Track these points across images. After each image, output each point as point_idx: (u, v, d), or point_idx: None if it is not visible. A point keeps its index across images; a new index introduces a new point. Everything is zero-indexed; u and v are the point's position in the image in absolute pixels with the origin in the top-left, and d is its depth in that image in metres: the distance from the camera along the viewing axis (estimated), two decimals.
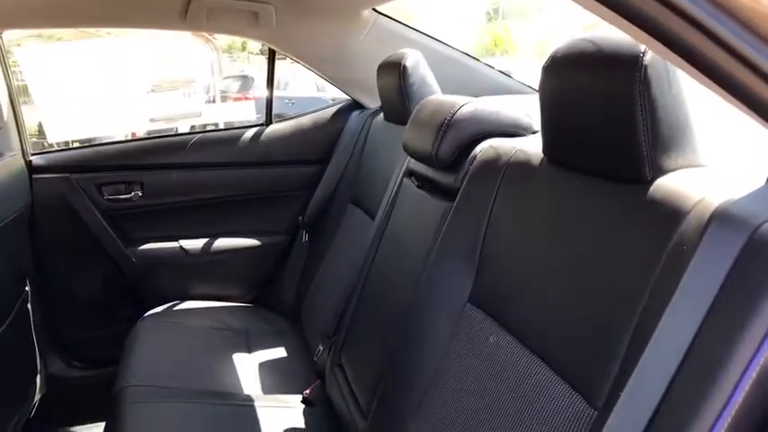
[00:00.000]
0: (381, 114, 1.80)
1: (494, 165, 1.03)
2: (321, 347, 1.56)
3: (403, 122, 1.52)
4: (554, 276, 0.83)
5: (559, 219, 0.84)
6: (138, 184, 1.95)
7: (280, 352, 1.78)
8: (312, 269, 1.88)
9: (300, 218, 1.98)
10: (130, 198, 1.94)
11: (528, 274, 0.89)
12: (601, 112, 0.74)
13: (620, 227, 0.73)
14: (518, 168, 0.98)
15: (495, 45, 19.78)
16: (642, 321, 0.65)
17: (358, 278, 1.48)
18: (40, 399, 1.87)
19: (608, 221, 0.75)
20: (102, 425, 1.47)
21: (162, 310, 1.90)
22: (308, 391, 1.52)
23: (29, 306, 1.76)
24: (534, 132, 1.17)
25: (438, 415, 1.00)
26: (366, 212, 1.68)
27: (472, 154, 1.10)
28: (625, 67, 0.69)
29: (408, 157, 1.39)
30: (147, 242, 1.99)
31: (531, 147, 0.96)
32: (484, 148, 1.09)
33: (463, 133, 1.12)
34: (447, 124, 1.12)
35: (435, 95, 1.36)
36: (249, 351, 1.75)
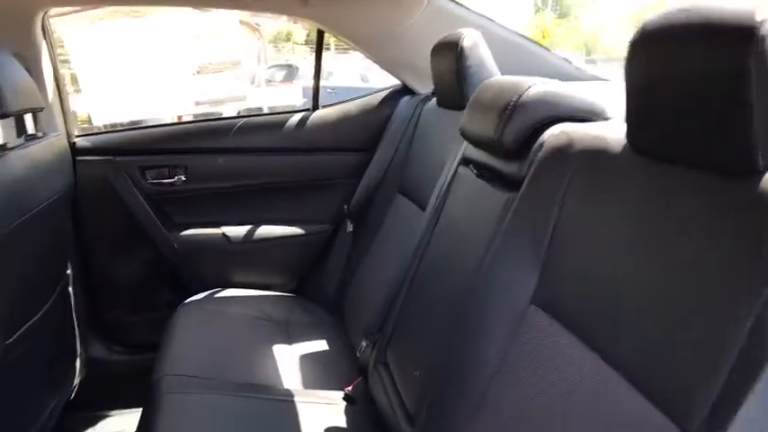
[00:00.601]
0: (434, 100, 1.72)
1: (565, 152, 0.93)
2: (364, 343, 1.49)
3: (458, 108, 1.43)
4: (636, 281, 0.73)
5: (645, 216, 0.75)
6: (181, 169, 1.91)
7: (320, 345, 1.72)
8: (356, 260, 1.81)
9: (345, 207, 1.91)
10: (174, 182, 1.90)
11: (604, 276, 0.80)
12: (703, 92, 0.64)
13: (723, 227, 0.63)
14: (595, 157, 0.88)
15: (543, 37, 19.40)
16: (752, 343, 0.56)
17: (406, 272, 1.40)
18: (80, 382, 1.85)
19: (708, 220, 0.65)
20: (140, 411, 1.43)
21: (202, 297, 1.86)
22: (350, 388, 1.45)
23: (70, 289, 1.74)
24: (606, 119, 1.07)
25: (494, 426, 0.91)
26: (415, 203, 1.59)
27: (540, 140, 1.00)
28: (738, 39, 0.59)
29: (465, 144, 1.31)
30: (190, 228, 1.96)
31: (611, 133, 0.86)
32: (554, 133, 0.99)
33: (531, 116, 1.02)
34: (513, 106, 1.02)
35: (497, 77, 1.27)
36: (289, 342, 1.70)
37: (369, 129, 1.95)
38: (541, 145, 1.00)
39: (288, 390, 1.45)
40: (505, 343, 0.95)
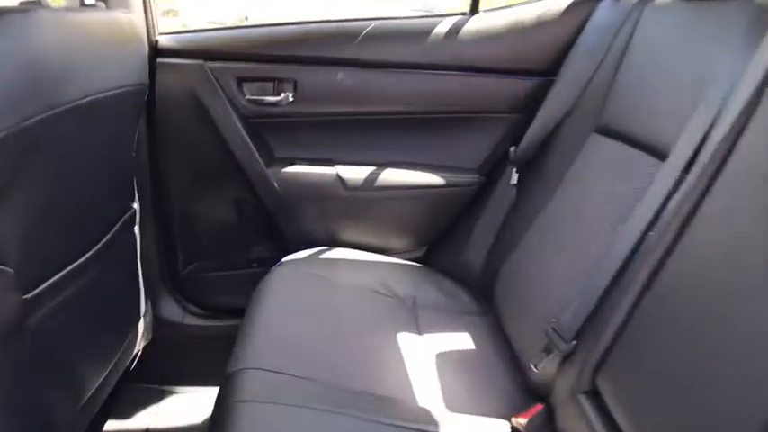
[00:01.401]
0: None
1: None
2: (546, 356, 0.96)
3: None
4: None
5: None
6: (290, 83, 1.43)
7: (464, 341, 1.21)
8: (521, 226, 1.27)
9: (512, 149, 1.36)
10: (279, 102, 1.43)
11: None
12: None
13: None
14: None
15: None
16: None
17: (634, 256, 0.86)
18: (144, 349, 1.45)
19: None
20: (215, 391, 0.99)
21: (304, 257, 1.38)
22: (522, 420, 0.93)
23: (136, 230, 1.31)
24: None
25: None
26: (638, 146, 1.03)
27: None
28: None
29: None
30: (295, 163, 1.49)
31: None
32: None
33: None
34: None
35: None
36: (419, 331, 1.20)
37: (550, 43, 1.38)
38: None
39: (425, 411, 0.95)
40: None
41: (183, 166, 1.47)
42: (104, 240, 1.15)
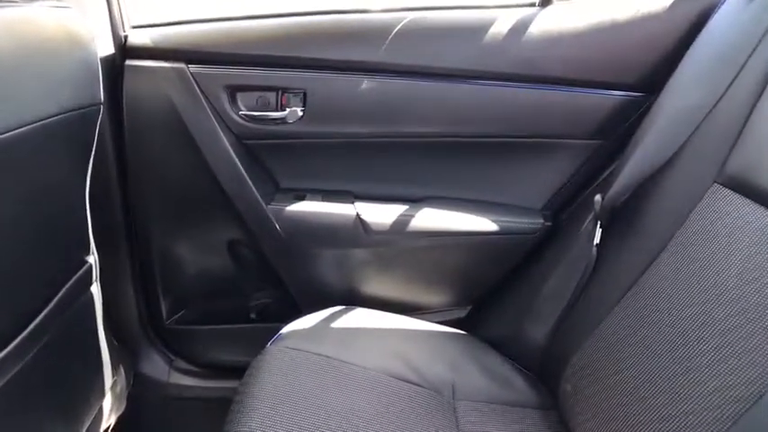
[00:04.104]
0: None
1: None
2: None
3: None
4: None
5: None
6: (298, 95, 1.10)
7: None
8: (605, 301, 0.92)
9: (598, 198, 0.99)
10: (284, 118, 1.10)
11: None
12: None
13: None
14: None
15: None
16: None
17: None
18: (121, 413, 1.18)
19: None
20: None
21: (310, 327, 1.06)
22: None
23: (94, 289, 1.01)
24: None
25: None
26: None
27: None
28: None
29: None
30: (303, 198, 1.16)
31: None
32: None
33: None
34: None
35: None
36: None
37: (650, 47, 1.02)
38: None
39: None
40: None
41: (161, 199, 1.16)
42: (47, 311, 0.85)
